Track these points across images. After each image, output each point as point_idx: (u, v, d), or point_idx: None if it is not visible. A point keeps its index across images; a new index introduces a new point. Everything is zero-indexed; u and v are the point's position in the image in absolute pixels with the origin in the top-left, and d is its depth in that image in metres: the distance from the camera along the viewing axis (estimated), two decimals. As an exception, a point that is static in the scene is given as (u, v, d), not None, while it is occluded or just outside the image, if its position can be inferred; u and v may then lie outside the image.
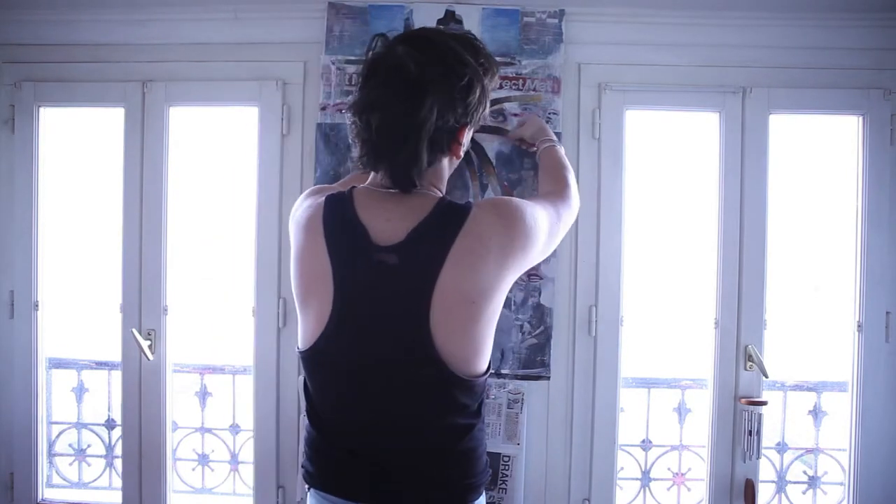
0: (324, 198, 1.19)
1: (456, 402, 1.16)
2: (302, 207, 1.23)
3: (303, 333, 1.19)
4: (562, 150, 1.59)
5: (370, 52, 1.16)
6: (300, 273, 1.19)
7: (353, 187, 1.20)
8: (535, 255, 1.22)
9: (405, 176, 1.13)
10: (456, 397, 1.15)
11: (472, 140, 1.80)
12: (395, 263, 1.10)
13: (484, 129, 1.77)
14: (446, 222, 1.12)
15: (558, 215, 1.31)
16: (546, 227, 1.23)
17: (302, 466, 1.27)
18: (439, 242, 1.10)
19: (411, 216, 1.12)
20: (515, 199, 1.23)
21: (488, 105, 1.24)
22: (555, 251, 1.80)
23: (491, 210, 1.16)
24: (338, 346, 1.14)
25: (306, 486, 1.26)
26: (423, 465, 1.18)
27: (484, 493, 1.26)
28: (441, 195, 1.18)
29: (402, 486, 1.17)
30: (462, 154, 1.23)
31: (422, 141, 1.10)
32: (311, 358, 1.18)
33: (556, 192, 1.41)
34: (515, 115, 1.79)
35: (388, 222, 1.12)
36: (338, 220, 1.14)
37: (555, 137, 1.64)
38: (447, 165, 1.21)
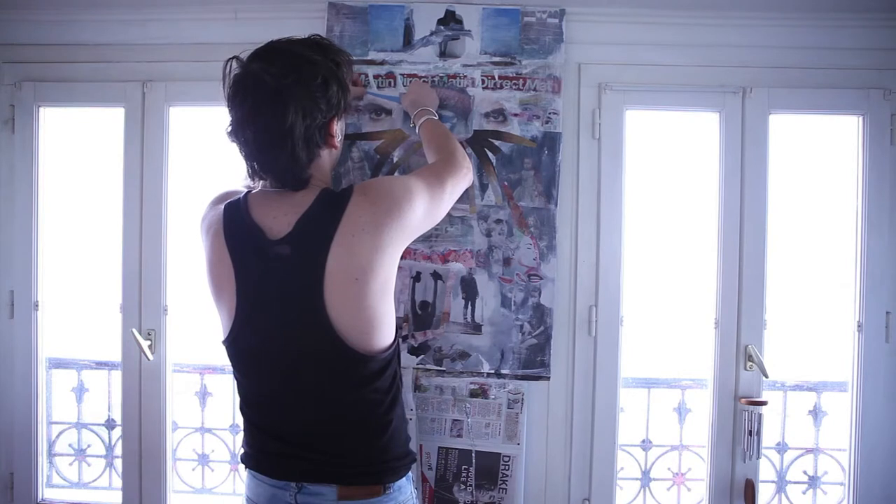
0: (223, 206, 1.32)
1: (359, 376, 1.26)
2: (207, 218, 1.36)
3: (222, 328, 1.32)
4: (436, 119, 1.65)
5: (227, 76, 1.26)
6: (210, 275, 1.32)
7: (249, 191, 1.33)
8: (416, 221, 1.32)
9: (291, 178, 1.27)
10: (358, 372, 1.25)
11: (473, 140, 1.81)
12: (287, 254, 1.22)
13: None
14: (326, 210, 1.24)
15: (440, 180, 1.41)
16: (425, 194, 1.34)
17: (241, 448, 1.37)
18: (322, 229, 1.22)
19: (295, 210, 1.24)
20: (385, 177, 1.35)
21: (349, 92, 1.33)
22: (555, 251, 1.82)
23: (361, 192, 1.26)
24: (246, 335, 1.27)
25: (244, 468, 1.36)
26: (337, 440, 1.28)
27: (407, 481, 1.33)
28: (324, 186, 1.30)
29: (321, 464, 1.26)
30: (339, 144, 1.34)
31: (296, 144, 1.22)
32: (228, 349, 1.31)
33: (440, 160, 1.51)
34: (516, 115, 1.79)
35: (275, 219, 1.25)
36: (235, 225, 1.28)
37: (430, 106, 1.69)
38: (327, 157, 1.33)
